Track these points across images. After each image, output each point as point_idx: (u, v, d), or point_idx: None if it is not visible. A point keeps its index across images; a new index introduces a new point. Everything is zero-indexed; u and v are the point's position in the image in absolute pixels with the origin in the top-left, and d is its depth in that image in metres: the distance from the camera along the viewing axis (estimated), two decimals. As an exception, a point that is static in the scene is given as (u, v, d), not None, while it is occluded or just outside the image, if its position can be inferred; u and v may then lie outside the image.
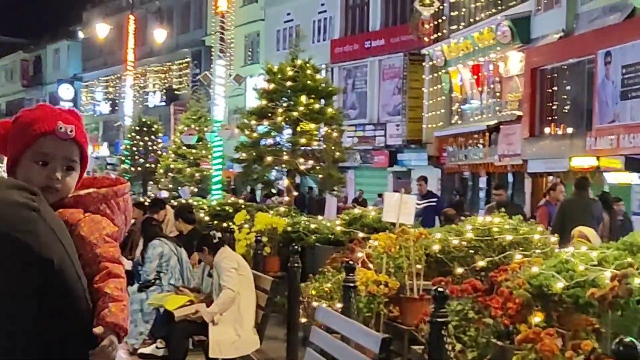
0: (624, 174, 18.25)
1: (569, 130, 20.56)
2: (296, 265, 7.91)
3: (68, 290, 2.12)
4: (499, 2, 24.40)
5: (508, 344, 4.58)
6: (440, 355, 4.38)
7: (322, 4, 34.86)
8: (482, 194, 25.29)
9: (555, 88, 21.32)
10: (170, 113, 43.21)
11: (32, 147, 2.32)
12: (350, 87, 33.31)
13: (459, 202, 21.11)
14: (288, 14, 36.90)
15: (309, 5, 35.17)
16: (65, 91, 58.99)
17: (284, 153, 15.93)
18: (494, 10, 24.50)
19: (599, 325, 4.28)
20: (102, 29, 36.92)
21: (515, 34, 22.30)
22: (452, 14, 27.02)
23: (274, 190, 22.78)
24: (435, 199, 15.59)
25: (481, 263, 6.01)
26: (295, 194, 17.07)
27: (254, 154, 16.03)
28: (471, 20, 25.77)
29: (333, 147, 15.84)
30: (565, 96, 21.00)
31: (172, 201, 17.86)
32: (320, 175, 15.84)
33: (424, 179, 16.13)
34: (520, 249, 6.05)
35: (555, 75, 21.30)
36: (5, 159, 2.40)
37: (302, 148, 15.93)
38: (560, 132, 20.93)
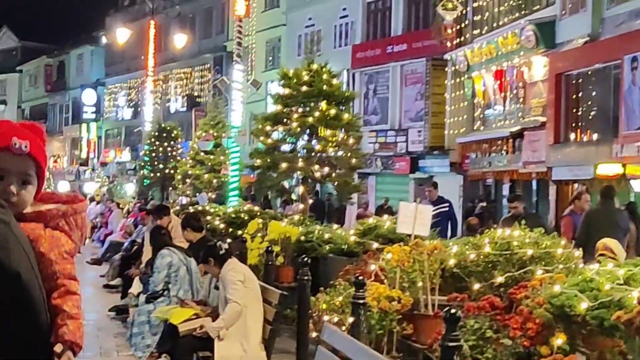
0: (651, 182, 17.87)
1: (595, 136, 20.19)
2: (305, 277, 7.59)
3: (32, 303, 2.20)
4: (523, 6, 24.03)
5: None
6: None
7: (344, 9, 34.65)
8: (505, 202, 24.88)
9: (580, 94, 20.95)
10: (192, 119, 43.19)
11: None
12: (371, 92, 33.01)
13: (483, 211, 20.71)
14: (309, 19, 36.73)
15: (330, 10, 34.99)
16: (88, 96, 59.41)
17: (299, 160, 15.59)
18: (517, 15, 24.12)
19: (627, 350, 3.99)
20: (122, 34, 36.91)
21: (540, 38, 21.90)
22: (475, 18, 26.65)
23: (294, 197, 22.55)
24: (447, 204, 15.12)
25: (500, 279, 5.70)
26: (311, 201, 16.76)
27: (269, 160, 15.73)
28: (494, 24, 25.39)
29: (350, 154, 15.50)
30: (590, 102, 20.63)
31: (176, 208, 17.64)
32: (336, 183, 15.51)
33: (433, 184, 15.75)
34: (542, 263, 5.71)
35: (581, 80, 20.93)
36: None
37: (318, 155, 15.59)
38: (585, 138, 20.57)
